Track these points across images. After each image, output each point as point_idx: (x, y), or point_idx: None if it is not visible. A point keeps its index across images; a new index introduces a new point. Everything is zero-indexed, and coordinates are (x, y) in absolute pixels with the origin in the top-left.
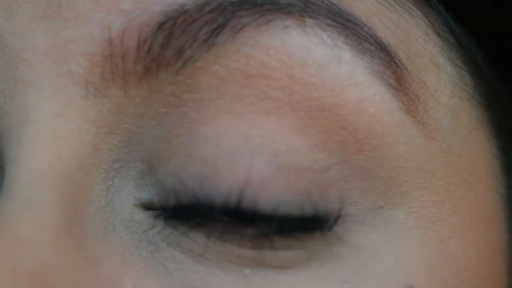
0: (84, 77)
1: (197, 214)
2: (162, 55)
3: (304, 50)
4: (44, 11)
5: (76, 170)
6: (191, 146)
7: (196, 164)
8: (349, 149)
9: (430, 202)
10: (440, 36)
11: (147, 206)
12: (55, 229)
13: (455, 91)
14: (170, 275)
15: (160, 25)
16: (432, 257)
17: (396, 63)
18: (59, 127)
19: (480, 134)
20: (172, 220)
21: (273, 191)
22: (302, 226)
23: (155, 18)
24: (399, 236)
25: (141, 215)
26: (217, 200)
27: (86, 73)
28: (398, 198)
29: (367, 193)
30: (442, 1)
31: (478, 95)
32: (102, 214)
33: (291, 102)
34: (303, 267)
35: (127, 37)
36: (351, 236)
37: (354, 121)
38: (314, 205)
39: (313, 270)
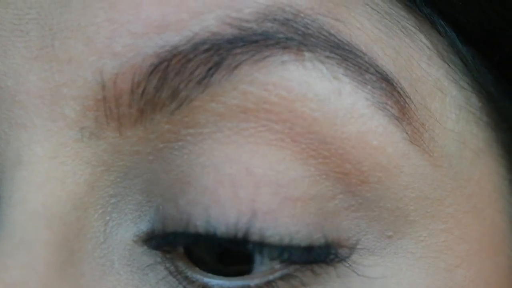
0: (78, 121)
1: (198, 243)
2: (157, 97)
3: (303, 84)
4: (38, 52)
5: (71, 209)
6: (190, 175)
7: (196, 192)
8: (352, 180)
9: (438, 231)
10: (444, 59)
11: (146, 239)
12: (46, 270)
13: (461, 115)
14: None
15: (154, 68)
16: None
17: (398, 92)
18: (53, 168)
19: (488, 156)
20: (173, 262)
21: (279, 221)
22: (311, 257)
23: (148, 60)
24: (408, 267)
25: (141, 253)
26: (220, 229)
27: (80, 117)
28: (406, 227)
29: (375, 222)
30: (449, 22)
31: (485, 116)
32: (100, 251)
33: (292, 135)
34: None
35: (120, 80)
36: (362, 268)
37: (357, 154)
38: (322, 235)
39: None
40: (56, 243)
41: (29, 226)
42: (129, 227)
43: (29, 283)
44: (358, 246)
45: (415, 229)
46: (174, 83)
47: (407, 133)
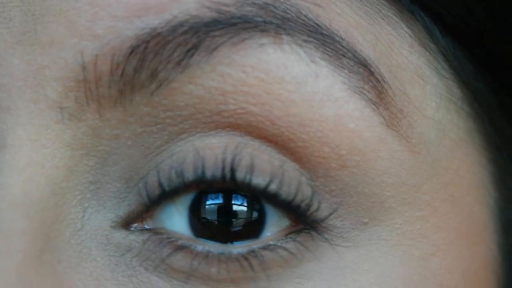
0: (59, 101)
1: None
2: (136, 78)
3: (281, 67)
4: (20, 36)
5: (50, 194)
6: (173, 153)
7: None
8: (332, 164)
9: (414, 218)
10: (426, 48)
11: (125, 223)
12: (23, 258)
13: (442, 103)
14: None
15: (133, 49)
16: (413, 276)
17: (376, 77)
18: (34, 152)
19: (469, 146)
20: (150, 242)
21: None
22: (293, 208)
23: (128, 42)
24: (381, 254)
25: (118, 237)
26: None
27: (61, 98)
28: (382, 214)
29: (353, 208)
30: (428, 13)
31: (467, 106)
32: (77, 238)
33: (271, 118)
34: None
35: (100, 61)
36: (333, 253)
37: (335, 137)
38: (305, 196)
39: None
40: (33, 230)
41: (7, 214)
42: (107, 214)
43: (4, 272)
44: (334, 231)
45: (390, 216)
46: (153, 65)
47: (384, 118)
